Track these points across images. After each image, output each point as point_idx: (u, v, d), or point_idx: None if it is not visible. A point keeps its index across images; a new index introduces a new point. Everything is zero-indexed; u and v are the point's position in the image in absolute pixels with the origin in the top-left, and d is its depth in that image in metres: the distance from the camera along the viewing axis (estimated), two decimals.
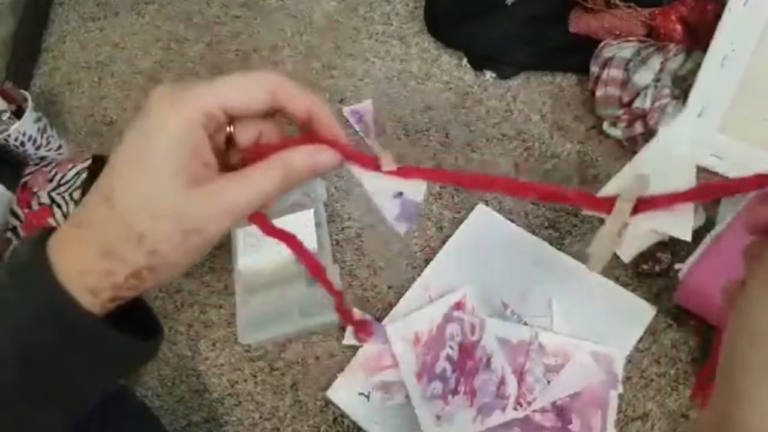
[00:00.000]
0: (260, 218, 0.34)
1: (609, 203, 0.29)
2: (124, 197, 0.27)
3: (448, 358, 0.72)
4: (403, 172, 0.34)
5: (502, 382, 0.69)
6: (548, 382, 0.69)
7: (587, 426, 0.67)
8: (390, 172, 0.33)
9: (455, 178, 0.34)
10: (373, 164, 0.33)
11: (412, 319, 0.74)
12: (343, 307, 0.50)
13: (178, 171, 0.27)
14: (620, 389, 0.68)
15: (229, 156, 0.32)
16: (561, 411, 0.68)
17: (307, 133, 0.33)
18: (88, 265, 0.27)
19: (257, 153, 0.31)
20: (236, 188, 0.28)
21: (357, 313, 0.76)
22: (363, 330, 0.73)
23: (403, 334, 0.73)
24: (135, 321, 0.32)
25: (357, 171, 0.34)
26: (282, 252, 0.79)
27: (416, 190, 0.38)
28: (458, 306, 0.74)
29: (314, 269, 0.40)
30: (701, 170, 0.77)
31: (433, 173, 0.35)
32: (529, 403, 0.68)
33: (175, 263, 0.28)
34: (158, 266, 0.28)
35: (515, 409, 0.68)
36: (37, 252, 0.28)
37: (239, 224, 0.30)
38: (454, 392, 0.69)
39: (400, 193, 0.37)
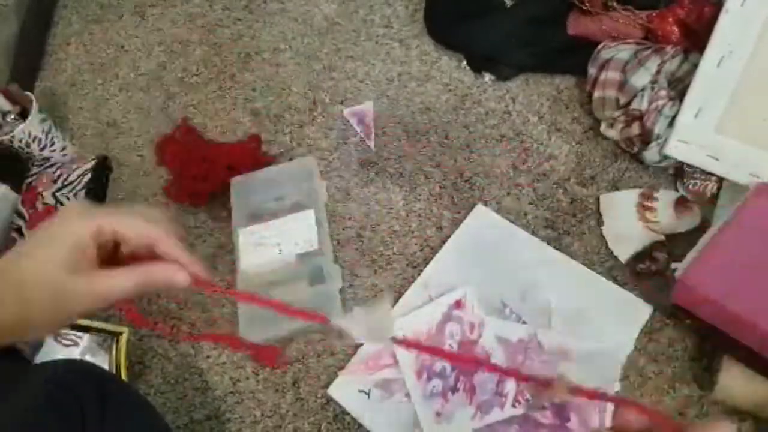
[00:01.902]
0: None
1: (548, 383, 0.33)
2: (24, 271, 0.38)
3: None
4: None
5: (500, 380, 0.70)
6: None
7: (585, 423, 0.67)
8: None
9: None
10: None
11: (412, 318, 0.75)
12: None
13: (64, 262, 0.38)
14: (618, 387, 0.69)
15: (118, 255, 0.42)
16: (559, 409, 0.68)
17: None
18: None
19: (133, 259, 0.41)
20: (102, 282, 0.39)
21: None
22: (265, 357, 0.75)
23: (403, 333, 0.74)
24: None
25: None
26: (283, 252, 0.80)
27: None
28: (458, 305, 0.75)
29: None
30: (697, 171, 0.78)
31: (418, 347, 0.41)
32: (528, 401, 0.68)
33: (40, 322, 0.38)
34: (26, 321, 0.38)
35: (513, 406, 0.69)
36: None
37: (104, 307, 0.40)
38: (454, 390, 0.70)
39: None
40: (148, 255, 0.41)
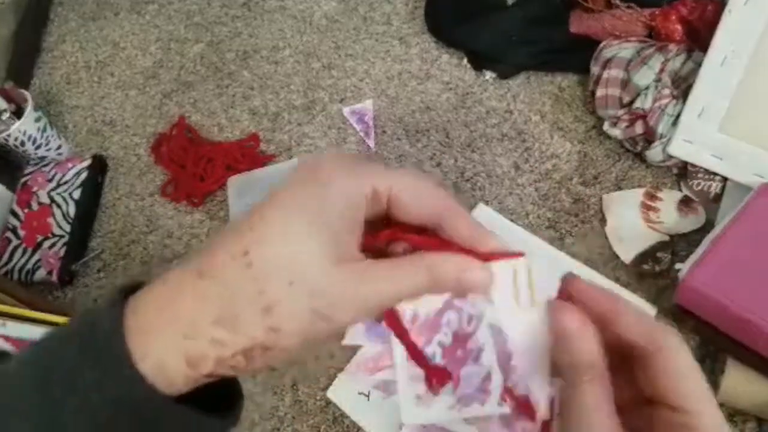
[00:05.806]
0: (394, 320, 0.30)
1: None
2: (264, 256, 0.23)
3: (440, 344, 0.71)
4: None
5: (487, 378, 0.69)
6: None
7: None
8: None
9: None
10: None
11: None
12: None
13: (330, 241, 0.23)
14: None
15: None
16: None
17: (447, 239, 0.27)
18: (201, 328, 0.23)
19: (393, 238, 0.27)
20: (383, 277, 0.25)
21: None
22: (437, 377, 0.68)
23: (401, 311, 0.73)
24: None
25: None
26: None
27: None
28: None
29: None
30: (701, 170, 0.77)
31: None
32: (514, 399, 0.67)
33: (288, 349, 0.24)
34: (272, 348, 0.24)
35: (500, 405, 0.67)
36: (115, 327, 0.23)
37: (365, 321, 0.26)
38: None
39: None
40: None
